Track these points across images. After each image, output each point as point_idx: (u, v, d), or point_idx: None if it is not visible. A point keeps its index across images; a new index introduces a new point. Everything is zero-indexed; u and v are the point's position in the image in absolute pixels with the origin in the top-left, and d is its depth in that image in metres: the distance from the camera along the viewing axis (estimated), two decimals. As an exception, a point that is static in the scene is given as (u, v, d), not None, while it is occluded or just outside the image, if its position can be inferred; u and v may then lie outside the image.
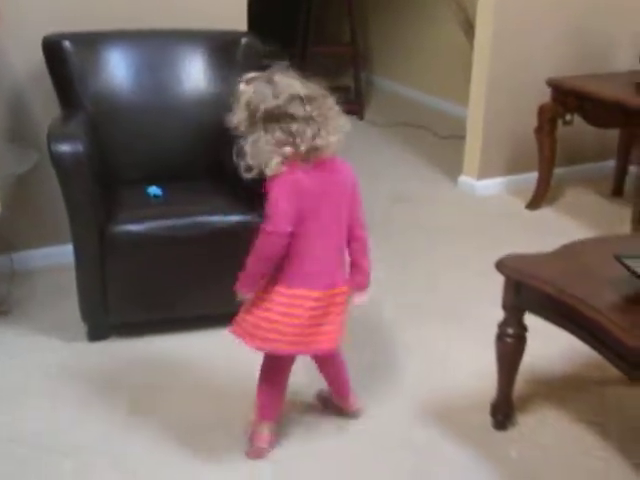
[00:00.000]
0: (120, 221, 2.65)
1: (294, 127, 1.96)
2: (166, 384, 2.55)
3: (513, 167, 4.23)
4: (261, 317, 2.06)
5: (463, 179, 4.27)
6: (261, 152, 1.97)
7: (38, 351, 2.74)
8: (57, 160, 2.54)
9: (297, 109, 1.96)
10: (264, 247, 2.01)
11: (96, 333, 2.78)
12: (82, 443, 2.29)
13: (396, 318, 2.99)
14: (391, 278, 3.28)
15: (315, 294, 2.04)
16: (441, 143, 4.98)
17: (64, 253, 3.01)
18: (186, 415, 2.40)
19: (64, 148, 2.54)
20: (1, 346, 2.75)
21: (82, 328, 2.80)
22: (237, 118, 2.01)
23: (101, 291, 2.70)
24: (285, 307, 2.04)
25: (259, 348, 2.11)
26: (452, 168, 4.40)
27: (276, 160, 1.97)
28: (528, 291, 2.19)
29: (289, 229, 1.98)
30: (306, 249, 2.03)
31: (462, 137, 4.35)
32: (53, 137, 2.58)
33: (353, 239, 2.16)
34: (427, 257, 3.50)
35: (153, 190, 2.84)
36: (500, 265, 2.25)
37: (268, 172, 1.97)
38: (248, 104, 1.98)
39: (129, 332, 2.79)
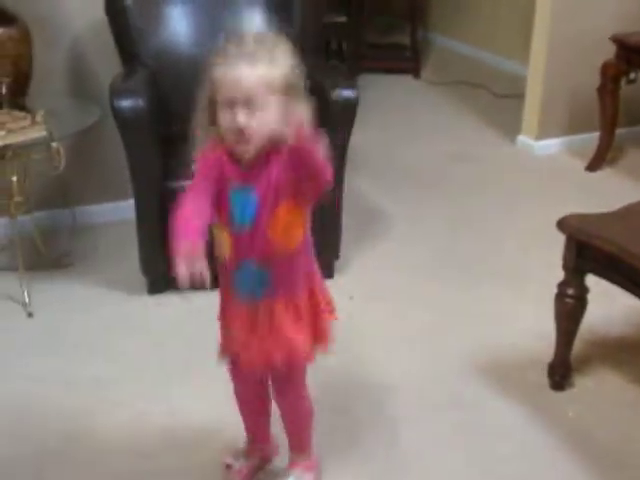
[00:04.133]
0: (181, 175, 2.68)
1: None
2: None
3: (573, 127, 4.14)
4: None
5: (521, 139, 4.20)
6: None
7: (100, 303, 2.81)
8: (119, 115, 2.57)
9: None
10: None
11: (156, 286, 2.84)
12: (137, 393, 2.35)
13: (454, 277, 2.98)
14: (449, 237, 3.27)
15: None
16: (499, 102, 4.90)
17: (124, 209, 3.08)
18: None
19: (126, 103, 2.57)
20: (64, 297, 2.83)
21: (142, 282, 2.86)
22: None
23: (161, 245, 2.73)
24: None
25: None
26: (510, 128, 4.32)
27: None
28: (589, 251, 2.16)
29: None
30: None
31: (520, 96, 4.27)
32: (115, 92, 2.61)
33: None
34: (485, 216, 3.47)
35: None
36: (561, 224, 2.22)
37: None
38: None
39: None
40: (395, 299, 2.85)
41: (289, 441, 1.97)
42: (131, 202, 2.83)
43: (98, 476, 2.06)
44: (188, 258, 1.47)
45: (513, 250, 3.19)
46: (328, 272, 2.97)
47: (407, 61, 5.45)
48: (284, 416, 1.92)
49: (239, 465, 1.99)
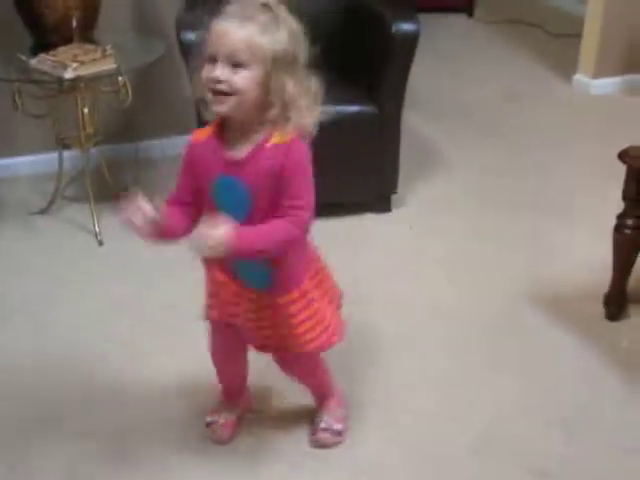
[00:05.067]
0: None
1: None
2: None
3: (631, 66, 4.09)
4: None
5: (578, 78, 4.17)
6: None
7: (165, 233, 2.91)
8: (186, 48, 2.63)
9: None
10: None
11: (218, 217, 2.93)
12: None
13: (509, 212, 3.02)
14: (504, 175, 3.30)
15: None
16: (554, 41, 4.84)
17: (186, 142, 3.15)
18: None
19: (191, 36, 2.62)
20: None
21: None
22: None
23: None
24: None
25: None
26: (566, 67, 4.29)
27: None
28: (651, 181, 2.19)
29: None
30: None
31: (576, 35, 4.23)
32: (181, 24, 2.67)
33: None
34: (540, 154, 3.48)
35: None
36: (622, 155, 2.24)
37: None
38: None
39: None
40: (450, 233, 2.90)
41: (310, 393, 2.00)
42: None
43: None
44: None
45: (569, 187, 3.21)
46: (386, 206, 3.05)
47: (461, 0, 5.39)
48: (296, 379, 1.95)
49: (223, 419, 1.99)
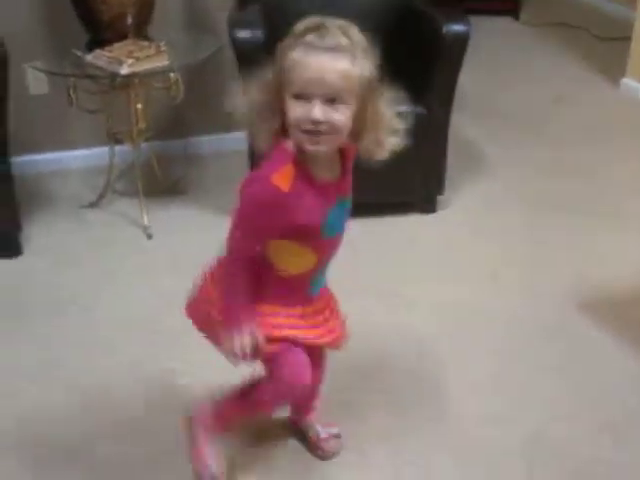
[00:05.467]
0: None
1: None
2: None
3: (681, 70, 4.04)
4: None
5: (626, 82, 4.12)
6: None
7: (212, 228, 2.88)
8: (237, 45, 2.66)
9: None
10: None
11: (266, 214, 2.95)
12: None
13: (556, 216, 3.00)
14: (550, 179, 3.28)
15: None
16: (601, 45, 4.79)
17: (234, 140, 3.19)
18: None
19: (244, 34, 2.66)
20: (180, 221, 2.98)
21: (252, 209, 2.98)
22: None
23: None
24: None
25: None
26: (613, 71, 4.25)
27: None
28: None
29: None
30: None
31: (624, 39, 4.19)
32: (233, 23, 2.70)
33: None
34: (588, 159, 3.45)
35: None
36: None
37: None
38: None
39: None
40: (497, 235, 2.90)
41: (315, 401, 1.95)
42: (241, 134, 2.93)
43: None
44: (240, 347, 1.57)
45: (617, 192, 3.18)
46: (431, 207, 3.05)
47: (506, 2, 5.36)
48: (318, 383, 1.90)
49: None
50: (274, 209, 1.50)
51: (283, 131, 1.48)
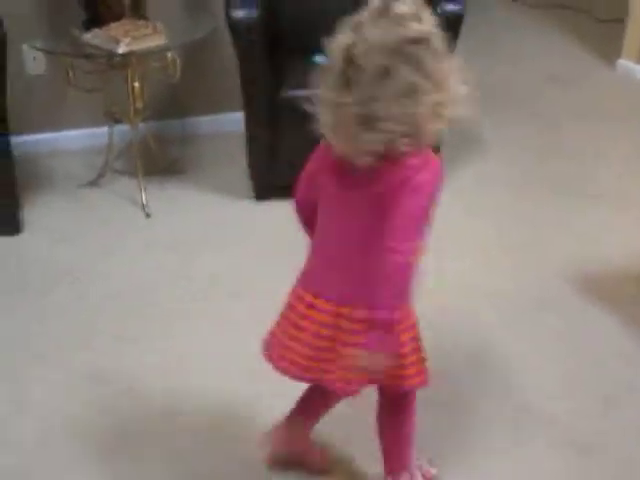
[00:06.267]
0: (289, 86, 2.79)
1: None
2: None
3: (678, 50, 4.05)
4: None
5: (622, 62, 4.13)
6: None
7: (209, 207, 2.98)
8: (234, 25, 2.69)
9: None
10: None
11: (262, 192, 2.98)
12: (250, 286, 2.51)
13: (550, 196, 3.03)
14: (544, 158, 3.31)
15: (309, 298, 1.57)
16: (600, 26, 4.78)
17: (232, 121, 3.22)
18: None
19: (241, 13, 2.68)
20: (178, 200, 3.01)
21: (248, 189, 3.01)
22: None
23: (269, 153, 2.88)
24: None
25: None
26: (611, 52, 4.24)
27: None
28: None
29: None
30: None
31: (621, 21, 4.18)
32: (230, 3, 2.72)
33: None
34: (582, 138, 3.47)
35: (320, 58, 2.94)
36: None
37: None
38: None
39: (292, 194, 2.96)
40: (491, 213, 2.92)
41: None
42: (238, 115, 2.98)
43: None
44: None
45: (609, 172, 3.20)
46: (426, 185, 3.06)
47: (505, -16, 5.35)
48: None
49: None
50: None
51: None
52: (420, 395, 1.69)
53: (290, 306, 1.61)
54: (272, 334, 1.65)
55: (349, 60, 1.39)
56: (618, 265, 2.60)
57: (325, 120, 1.45)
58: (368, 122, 1.38)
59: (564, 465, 1.89)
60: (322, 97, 1.46)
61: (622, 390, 2.10)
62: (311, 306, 1.56)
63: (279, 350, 1.62)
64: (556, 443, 1.94)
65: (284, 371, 1.61)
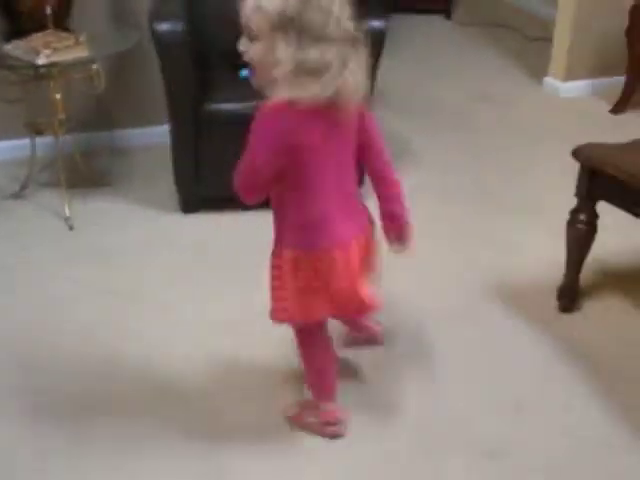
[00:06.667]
0: (214, 100, 2.81)
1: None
2: (249, 255, 2.71)
3: (600, 70, 4.18)
4: None
5: (548, 80, 4.25)
6: None
7: (135, 220, 2.97)
8: (158, 38, 2.69)
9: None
10: None
11: (189, 205, 2.99)
12: (168, 301, 2.51)
13: (475, 207, 3.10)
14: (472, 171, 3.38)
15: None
16: (529, 45, 4.93)
17: (159, 133, 3.22)
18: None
19: (164, 26, 2.69)
20: (103, 213, 2.99)
21: (176, 201, 3.01)
22: None
23: (194, 166, 2.89)
24: None
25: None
26: (538, 70, 4.38)
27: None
28: (601, 178, 2.26)
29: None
30: None
31: (549, 39, 4.31)
32: (154, 15, 2.73)
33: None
34: (508, 153, 3.56)
35: (246, 72, 2.97)
36: (576, 153, 2.32)
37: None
38: None
39: (219, 206, 2.96)
40: (417, 223, 2.96)
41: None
42: (166, 127, 2.98)
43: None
44: None
45: (533, 185, 3.29)
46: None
47: (439, 2, 5.47)
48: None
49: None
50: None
51: None
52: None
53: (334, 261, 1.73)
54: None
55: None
56: (535, 275, 2.67)
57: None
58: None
59: (466, 469, 1.92)
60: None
61: (533, 397, 2.15)
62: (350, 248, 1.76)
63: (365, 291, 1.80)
64: (467, 450, 1.97)
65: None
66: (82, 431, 2.00)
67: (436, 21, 5.38)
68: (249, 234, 2.77)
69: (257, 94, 2.93)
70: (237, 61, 2.97)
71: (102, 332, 2.36)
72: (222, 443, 1.97)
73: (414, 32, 5.04)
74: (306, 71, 1.55)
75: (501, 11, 5.56)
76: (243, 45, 1.61)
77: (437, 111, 3.98)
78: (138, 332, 2.36)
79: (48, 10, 2.73)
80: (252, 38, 1.58)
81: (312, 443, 1.98)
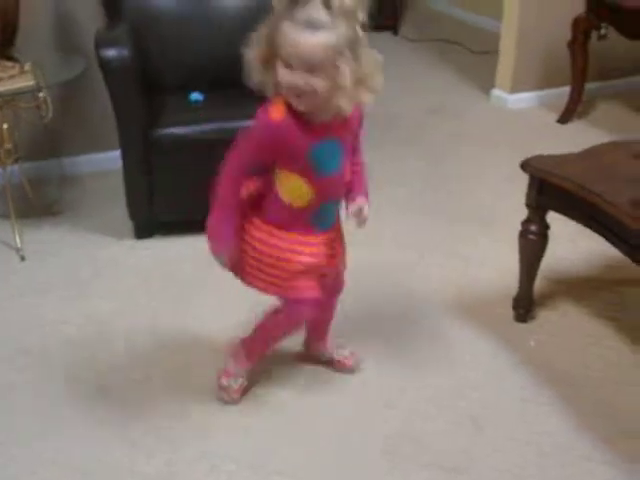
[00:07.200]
0: (164, 124, 2.79)
1: None
2: (205, 281, 2.70)
3: (546, 81, 4.26)
4: None
5: (496, 92, 4.33)
6: None
7: (88, 248, 2.93)
8: (105, 64, 2.67)
9: None
10: None
11: (143, 231, 2.97)
12: (131, 327, 2.49)
13: (428, 218, 3.13)
14: (425, 183, 3.42)
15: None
16: (475, 58, 5.01)
17: (111, 159, 3.19)
18: (219, 310, 2.57)
19: (111, 53, 2.67)
20: (55, 242, 2.95)
21: (129, 227, 2.98)
22: None
23: (147, 191, 2.87)
24: None
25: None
26: (486, 83, 4.45)
27: None
28: (550, 189, 2.30)
29: None
30: None
31: (497, 52, 4.38)
32: (100, 42, 2.71)
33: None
34: (459, 165, 3.61)
35: (195, 96, 2.97)
36: (525, 164, 2.35)
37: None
38: None
39: (173, 231, 2.96)
40: (372, 240, 2.97)
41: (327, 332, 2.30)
42: (117, 153, 2.94)
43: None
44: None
45: (485, 196, 3.33)
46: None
47: (387, 19, 5.52)
48: (330, 319, 2.26)
49: (237, 385, 2.16)
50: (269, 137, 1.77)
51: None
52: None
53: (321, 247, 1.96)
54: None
55: None
56: (489, 286, 2.70)
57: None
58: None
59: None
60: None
61: (490, 411, 2.16)
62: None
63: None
64: (427, 465, 1.98)
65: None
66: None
67: (384, 37, 5.44)
68: (204, 258, 2.75)
69: (207, 118, 2.95)
70: (185, 86, 3.03)
71: (58, 360, 2.32)
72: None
73: (363, 49, 5.07)
74: (359, 81, 1.75)
75: (447, 26, 5.65)
76: (302, 82, 1.67)
77: (389, 125, 4.01)
78: (94, 358, 2.33)
79: (-9, 40, 2.70)
80: (309, 71, 1.67)
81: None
